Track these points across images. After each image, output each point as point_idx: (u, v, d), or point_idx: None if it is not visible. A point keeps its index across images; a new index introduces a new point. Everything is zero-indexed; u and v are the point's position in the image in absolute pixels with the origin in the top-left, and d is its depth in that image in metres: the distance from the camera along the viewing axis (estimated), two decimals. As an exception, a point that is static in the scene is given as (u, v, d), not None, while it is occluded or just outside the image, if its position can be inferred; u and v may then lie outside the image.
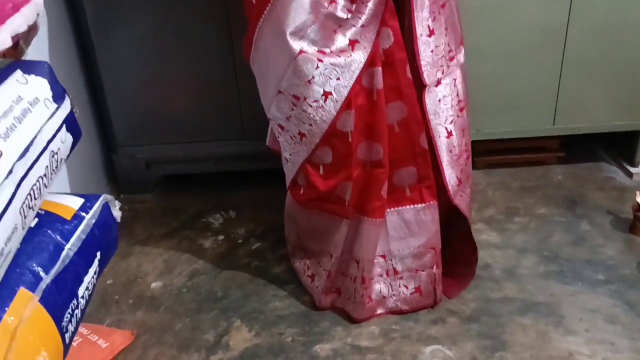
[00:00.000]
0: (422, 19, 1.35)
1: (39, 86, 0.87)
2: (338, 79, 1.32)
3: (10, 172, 0.75)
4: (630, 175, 2.05)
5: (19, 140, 0.79)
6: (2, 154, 0.74)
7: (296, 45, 1.29)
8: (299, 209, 1.58)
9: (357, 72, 1.32)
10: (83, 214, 0.94)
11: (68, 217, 0.92)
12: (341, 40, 1.31)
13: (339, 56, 1.31)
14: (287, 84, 1.34)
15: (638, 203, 1.75)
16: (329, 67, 1.31)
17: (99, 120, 2.04)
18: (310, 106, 1.34)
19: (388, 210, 1.48)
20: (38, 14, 0.88)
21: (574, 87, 1.93)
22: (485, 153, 2.13)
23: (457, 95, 1.46)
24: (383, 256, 1.53)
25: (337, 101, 1.33)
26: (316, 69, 1.31)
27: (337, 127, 1.37)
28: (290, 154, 1.47)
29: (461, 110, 1.48)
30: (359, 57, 1.32)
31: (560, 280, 1.63)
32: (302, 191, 1.51)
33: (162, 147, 2.05)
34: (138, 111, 2.00)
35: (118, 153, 2.05)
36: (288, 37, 1.29)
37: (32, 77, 0.85)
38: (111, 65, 1.92)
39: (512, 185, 2.06)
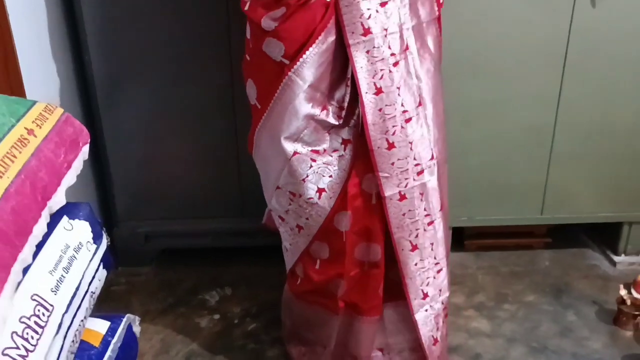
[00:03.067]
0: (376, 133, 1.33)
1: (82, 230, 0.92)
2: (331, 176, 1.38)
3: (60, 325, 0.78)
4: (613, 263, 2.13)
5: (67, 291, 0.83)
6: (54, 308, 0.78)
7: (290, 147, 1.36)
8: (294, 299, 1.62)
9: (348, 169, 1.38)
10: (109, 338, 0.98)
11: (96, 344, 0.95)
12: (335, 140, 1.38)
13: (331, 155, 1.38)
14: (284, 182, 1.41)
15: (622, 296, 1.83)
16: (322, 166, 1.38)
17: (101, 194, 2.08)
18: (306, 202, 1.41)
19: (385, 304, 1.53)
20: (84, 159, 0.93)
21: (561, 181, 2.03)
22: (476, 236, 2.21)
23: (425, 209, 1.41)
24: (381, 350, 1.57)
25: (330, 197, 1.39)
26: (310, 168, 1.37)
27: (334, 224, 1.42)
28: (289, 244, 1.53)
29: (429, 224, 1.43)
30: (349, 155, 1.38)
31: (548, 374, 1.69)
32: (298, 282, 1.56)
33: (162, 221, 2.10)
34: (140, 187, 2.05)
35: (119, 227, 2.09)
36: (282, 141, 1.36)
37: (77, 222, 0.90)
38: (117, 142, 1.98)
39: (502, 270, 2.13)
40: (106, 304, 1.86)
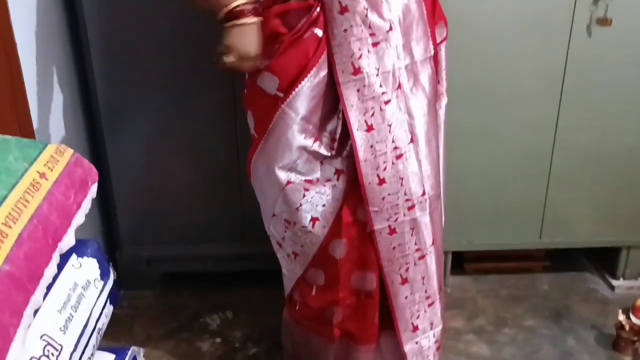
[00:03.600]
0: (367, 168, 1.36)
1: (90, 268, 0.94)
2: (324, 205, 1.40)
3: (68, 365, 0.80)
4: (612, 287, 2.15)
5: (75, 329, 0.85)
6: (62, 347, 0.80)
7: (284, 176, 1.39)
8: (294, 324, 1.64)
9: (341, 199, 1.40)
10: (116, 373, 1.00)
11: (103, 379, 0.97)
12: (328, 170, 1.40)
13: (324, 185, 1.40)
14: (279, 209, 1.44)
15: (620, 321, 1.84)
16: (315, 196, 1.40)
17: (104, 218, 2.10)
18: (301, 230, 1.43)
19: (382, 332, 1.53)
20: (92, 198, 0.95)
21: (559, 205, 2.05)
22: (476, 259, 2.23)
23: (416, 243, 1.43)
24: (378, 378, 1.58)
25: (324, 226, 1.42)
26: (303, 197, 1.39)
27: (329, 251, 1.44)
28: (287, 270, 1.55)
29: (420, 258, 1.45)
30: (341, 185, 1.40)
31: (548, 400, 1.69)
32: (297, 307, 1.58)
33: (164, 246, 2.12)
34: (143, 211, 2.07)
35: (121, 250, 2.10)
36: (276, 170, 1.38)
37: (85, 260, 0.92)
38: (121, 166, 2.00)
39: (501, 293, 2.15)
40: (108, 328, 1.85)
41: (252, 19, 1.25)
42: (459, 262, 2.20)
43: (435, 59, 1.46)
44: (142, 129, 1.96)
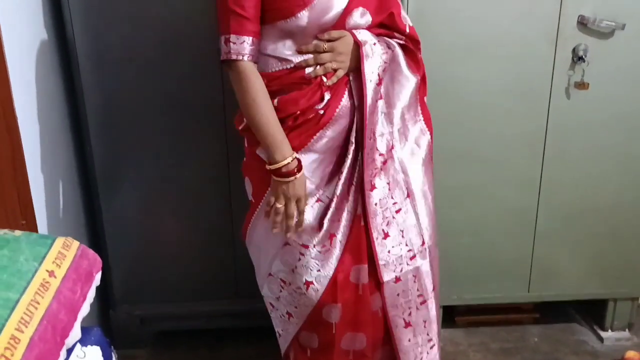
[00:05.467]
0: (376, 224, 1.44)
1: (94, 356, 0.96)
2: (319, 270, 1.45)
3: None
4: (601, 339, 2.18)
5: None
6: None
7: (282, 238, 1.44)
8: None
9: (336, 264, 1.44)
10: None
11: None
12: (323, 235, 1.45)
13: (320, 251, 1.45)
14: (276, 269, 1.49)
15: (610, 376, 1.87)
16: (311, 260, 1.45)
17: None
18: (295, 291, 1.48)
19: None
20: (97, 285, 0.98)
21: (546, 259, 2.10)
22: (466, 312, 2.26)
23: (418, 289, 1.51)
24: None
25: (317, 290, 1.46)
26: (298, 260, 1.45)
27: (322, 315, 1.48)
28: (282, 330, 1.59)
29: (422, 303, 1.53)
30: (337, 250, 1.44)
31: None
32: None
33: (159, 304, 2.13)
34: (137, 270, 2.09)
35: (115, 310, 2.12)
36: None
37: (89, 348, 0.95)
38: (115, 227, 2.03)
39: (492, 346, 2.17)
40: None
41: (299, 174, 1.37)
42: (450, 316, 2.23)
43: (428, 122, 1.54)
44: (136, 190, 2.00)
